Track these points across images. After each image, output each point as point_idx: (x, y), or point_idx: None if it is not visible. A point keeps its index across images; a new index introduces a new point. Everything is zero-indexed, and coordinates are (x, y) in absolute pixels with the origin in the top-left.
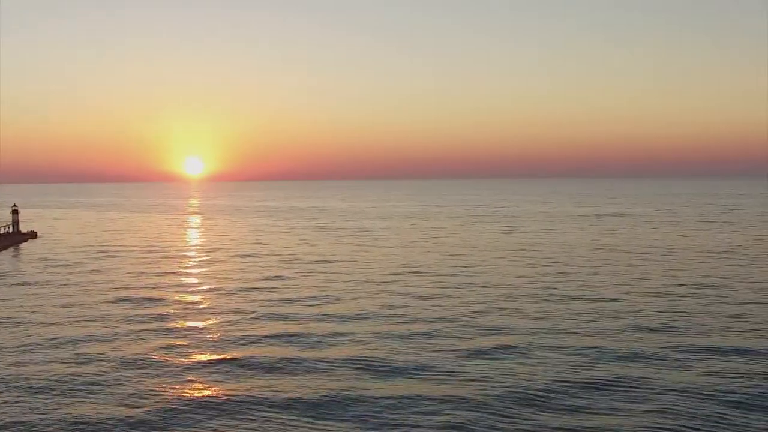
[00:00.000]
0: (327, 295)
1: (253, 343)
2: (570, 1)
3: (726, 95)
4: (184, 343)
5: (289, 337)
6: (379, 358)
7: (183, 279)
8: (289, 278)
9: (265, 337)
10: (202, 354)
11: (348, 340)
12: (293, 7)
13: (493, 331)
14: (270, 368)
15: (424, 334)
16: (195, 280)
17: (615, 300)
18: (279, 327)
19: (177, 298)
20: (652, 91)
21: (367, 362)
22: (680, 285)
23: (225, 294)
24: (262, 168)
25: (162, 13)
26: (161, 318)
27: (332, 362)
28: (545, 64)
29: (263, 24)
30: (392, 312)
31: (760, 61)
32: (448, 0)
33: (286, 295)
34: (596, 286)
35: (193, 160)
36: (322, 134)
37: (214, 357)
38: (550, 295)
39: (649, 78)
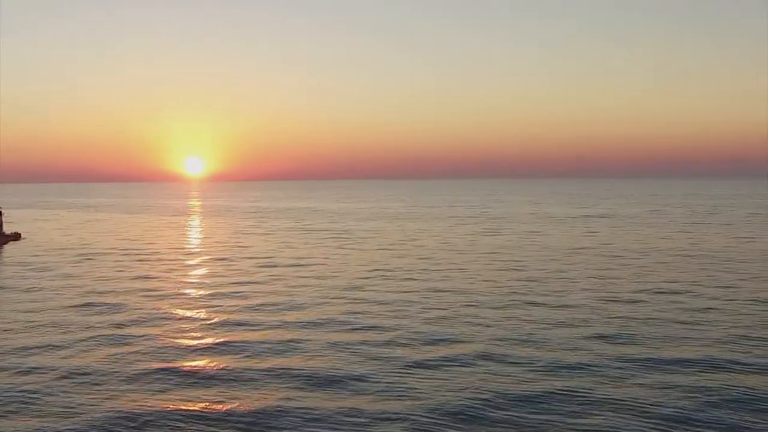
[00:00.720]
0: (289, 302)
1: (200, 352)
2: (570, 1)
3: (726, 95)
4: (131, 352)
5: (240, 346)
6: (322, 368)
7: (150, 284)
8: (257, 283)
9: (215, 345)
10: (146, 363)
11: (297, 349)
12: (293, 7)
13: (444, 341)
14: (210, 379)
15: (373, 344)
16: (162, 285)
17: (574, 307)
18: (232, 335)
19: (138, 304)
20: (652, 91)
21: (309, 373)
22: (643, 291)
23: (188, 300)
24: (262, 168)
25: (162, 13)
26: (117, 325)
27: (274, 373)
28: (545, 64)
29: (263, 24)
30: (349, 320)
31: (760, 61)
32: (448, 0)
33: (249, 302)
34: (560, 292)
35: (194, 159)
36: (322, 134)
37: (157, 366)
38: (512, 301)
39: (649, 78)
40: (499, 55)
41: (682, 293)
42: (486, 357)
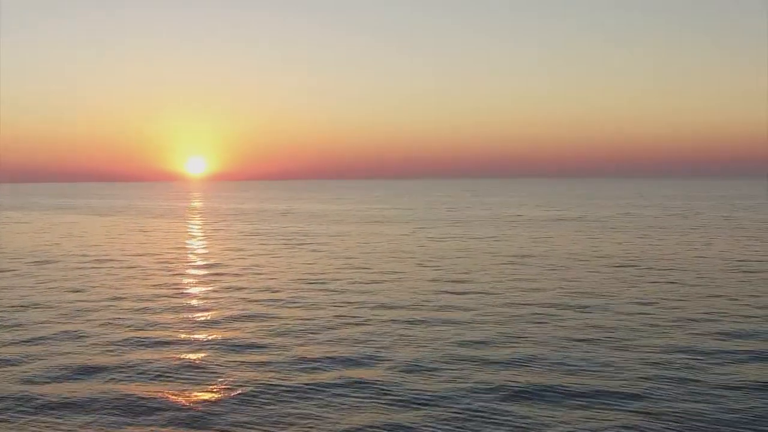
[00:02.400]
0: (200, 318)
1: (69, 376)
2: (570, 1)
3: (726, 95)
4: (5, 373)
5: (115, 371)
6: (188, 399)
7: (77, 296)
8: (184, 296)
9: (90, 368)
10: (11, 387)
11: (177, 375)
12: (293, 7)
13: (332, 364)
14: (60, 406)
15: (257, 368)
16: (87, 297)
17: (482, 324)
18: (114, 358)
19: (50, 319)
20: (652, 91)
21: (174, 404)
22: (559, 305)
23: (101, 315)
24: (262, 167)
25: (162, 13)
26: (9, 344)
27: (134, 404)
28: (545, 64)
29: (263, 24)
30: (250, 340)
31: (760, 61)
32: (448, 0)
33: (160, 317)
34: (477, 307)
35: (195, 159)
36: (322, 134)
37: (14, 392)
38: (426, 318)
39: (649, 78)
40: (499, 55)
41: (594, 309)
42: (362, 385)
